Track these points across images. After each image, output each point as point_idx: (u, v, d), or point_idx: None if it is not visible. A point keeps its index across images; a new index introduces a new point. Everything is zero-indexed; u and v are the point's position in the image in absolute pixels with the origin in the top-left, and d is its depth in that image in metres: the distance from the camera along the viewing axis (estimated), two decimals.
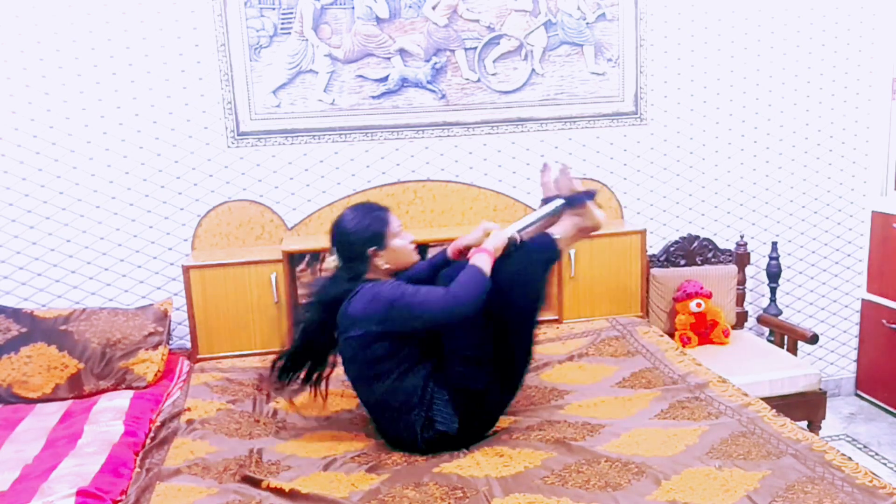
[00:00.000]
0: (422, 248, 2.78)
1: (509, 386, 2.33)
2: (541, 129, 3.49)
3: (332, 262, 2.32)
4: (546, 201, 2.48)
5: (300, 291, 3.22)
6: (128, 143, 3.19)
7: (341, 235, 2.27)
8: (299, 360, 2.34)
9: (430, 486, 1.98)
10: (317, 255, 3.14)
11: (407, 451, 2.21)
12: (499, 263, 2.24)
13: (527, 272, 2.28)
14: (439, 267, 2.48)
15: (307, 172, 3.34)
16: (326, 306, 2.28)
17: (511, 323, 2.27)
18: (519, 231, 2.36)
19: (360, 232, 2.24)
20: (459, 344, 2.23)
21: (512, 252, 2.28)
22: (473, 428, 2.25)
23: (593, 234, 2.51)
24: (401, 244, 2.29)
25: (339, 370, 2.38)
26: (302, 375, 2.35)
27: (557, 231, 2.37)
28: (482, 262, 2.20)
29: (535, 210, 2.50)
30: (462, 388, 2.21)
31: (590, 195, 2.40)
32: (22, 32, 3.04)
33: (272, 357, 2.39)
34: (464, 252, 2.42)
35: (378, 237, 2.24)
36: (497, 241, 2.27)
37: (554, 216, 2.42)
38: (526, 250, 2.32)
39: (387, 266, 2.28)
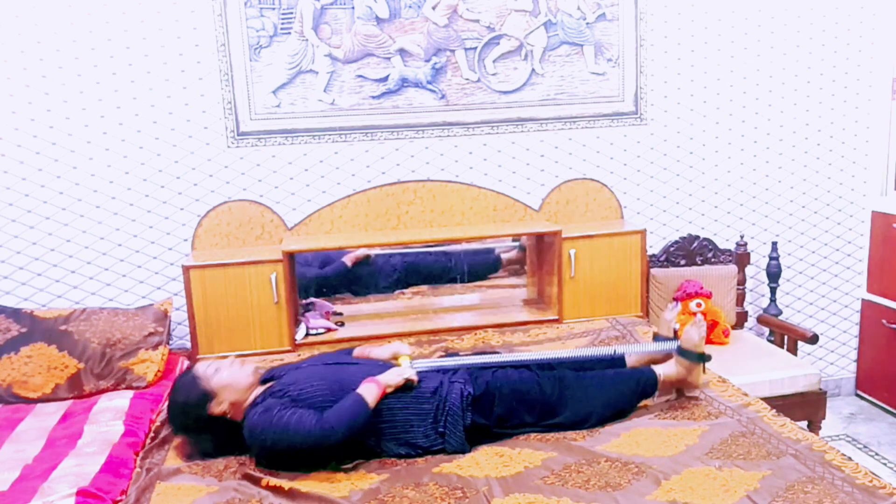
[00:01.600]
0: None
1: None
2: (541, 129, 3.49)
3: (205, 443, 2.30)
4: (657, 339, 2.63)
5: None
6: (128, 143, 3.19)
7: (178, 418, 2.28)
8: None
9: (430, 486, 1.99)
10: None
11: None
12: (603, 376, 2.40)
13: (620, 393, 2.38)
14: (343, 354, 2.58)
15: (307, 172, 3.34)
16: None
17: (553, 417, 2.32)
18: (574, 359, 2.51)
19: (189, 403, 2.23)
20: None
21: (412, 388, 2.29)
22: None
23: (686, 393, 2.51)
24: (222, 379, 2.25)
25: None
26: None
27: (662, 371, 2.46)
28: (368, 392, 2.19)
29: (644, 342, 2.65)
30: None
31: (707, 358, 2.48)
32: (22, 32, 3.04)
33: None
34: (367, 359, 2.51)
35: (203, 395, 2.22)
36: (393, 378, 2.27)
37: (652, 355, 2.55)
38: (629, 375, 2.44)
39: (231, 402, 2.24)
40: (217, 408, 2.22)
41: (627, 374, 2.46)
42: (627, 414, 2.36)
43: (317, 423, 2.09)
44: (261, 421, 2.14)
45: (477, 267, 3.68)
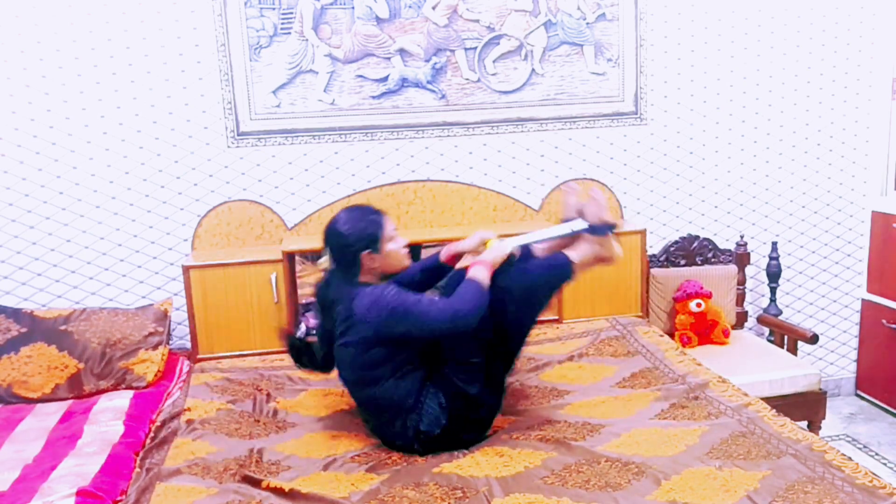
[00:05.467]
0: (416, 248, 2.77)
1: (497, 390, 2.34)
2: (541, 129, 3.49)
3: (324, 262, 2.31)
4: (565, 221, 2.50)
5: (300, 292, 3.23)
6: (128, 143, 3.19)
7: (336, 237, 2.24)
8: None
9: (430, 486, 1.98)
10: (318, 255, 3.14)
11: (403, 452, 2.21)
12: (510, 273, 2.25)
13: (536, 287, 2.29)
14: (431, 270, 2.49)
15: (307, 172, 3.34)
16: (323, 309, 2.28)
17: (508, 332, 2.28)
18: (529, 244, 2.39)
19: (355, 234, 2.21)
20: (457, 351, 2.23)
21: (512, 264, 2.27)
22: (462, 432, 2.24)
23: (606, 265, 2.49)
24: (395, 248, 2.27)
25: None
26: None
27: (575, 254, 2.38)
28: (481, 275, 2.19)
29: (549, 226, 2.49)
30: (457, 393, 2.21)
31: (612, 227, 2.42)
32: (22, 32, 3.04)
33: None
34: (457, 257, 2.44)
35: (373, 240, 2.22)
36: (497, 254, 2.27)
37: (568, 238, 2.44)
38: (540, 265, 2.34)
39: (379, 270, 2.26)
40: (370, 259, 2.21)
41: (539, 263, 2.38)
42: (543, 305, 2.32)
43: (447, 306, 2.09)
44: (390, 291, 2.13)
45: None
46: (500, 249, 2.29)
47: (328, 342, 2.32)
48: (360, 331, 2.15)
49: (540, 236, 2.45)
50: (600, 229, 2.39)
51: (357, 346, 2.18)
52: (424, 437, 2.20)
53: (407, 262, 2.33)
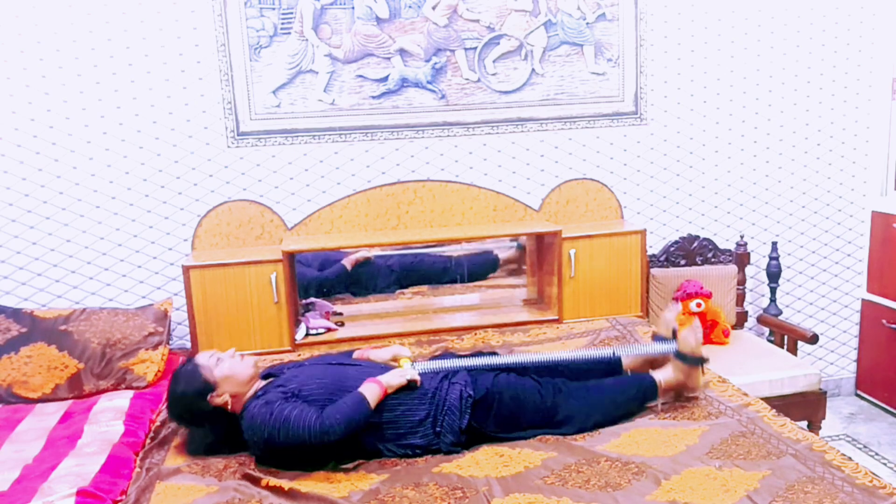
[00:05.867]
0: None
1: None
2: (541, 129, 3.49)
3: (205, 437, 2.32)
4: (657, 339, 2.61)
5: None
6: (128, 143, 3.19)
7: (177, 407, 2.27)
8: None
9: (430, 486, 1.99)
10: None
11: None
12: (610, 381, 2.40)
13: (620, 403, 2.36)
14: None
15: (307, 172, 3.34)
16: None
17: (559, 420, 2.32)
18: (579, 361, 2.51)
19: (189, 392, 2.22)
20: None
21: (414, 389, 2.29)
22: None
23: (687, 395, 2.49)
24: (223, 370, 2.26)
25: None
26: None
27: (662, 376, 2.45)
28: (370, 392, 2.19)
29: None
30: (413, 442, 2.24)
31: (705, 361, 2.47)
32: (22, 32, 3.04)
33: None
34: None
35: (204, 385, 2.22)
36: (395, 379, 2.27)
37: (650, 356, 2.55)
38: (629, 382, 2.43)
39: (232, 393, 2.24)
40: (218, 398, 2.22)
41: (627, 382, 2.46)
42: (617, 419, 2.35)
43: (317, 419, 2.08)
44: (261, 413, 2.14)
45: (476, 267, 3.68)
46: (398, 375, 2.29)
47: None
48: (255, 451, 2.18)
49: (635, 351, 2.60)
50: (695, 361, 2.44)
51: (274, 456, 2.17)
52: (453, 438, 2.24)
53: (247, 366, 2.30)
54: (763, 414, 2.29)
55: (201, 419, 2.27)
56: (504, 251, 3.74)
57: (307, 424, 2.08)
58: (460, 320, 3.34)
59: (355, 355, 2.58)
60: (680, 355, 2.44)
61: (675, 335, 2.52)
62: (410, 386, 2.28)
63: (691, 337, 2.45)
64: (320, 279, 3.52)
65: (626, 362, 2.57)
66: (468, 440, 2.23)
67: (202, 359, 2.29)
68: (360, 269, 3.55)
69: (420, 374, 2.32)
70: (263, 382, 2.31)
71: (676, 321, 2.60)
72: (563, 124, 3.51)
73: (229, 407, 2.24)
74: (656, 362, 2.54)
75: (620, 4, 3.44)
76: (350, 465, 2.12)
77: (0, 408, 2.71)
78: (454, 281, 3.63)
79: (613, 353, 2.58)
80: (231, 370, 2.26)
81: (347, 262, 3.51)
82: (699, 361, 2.44)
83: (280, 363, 2.69)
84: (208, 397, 2.22)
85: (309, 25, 3.22)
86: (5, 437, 2.47)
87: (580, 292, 3.30)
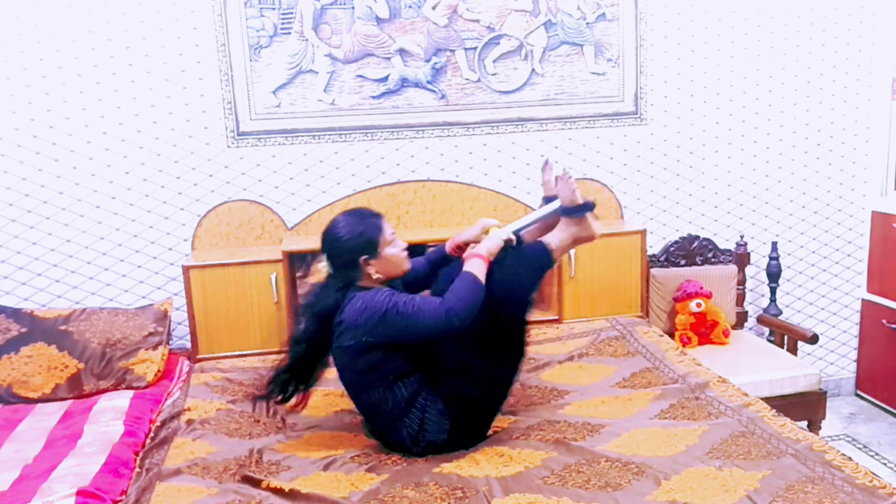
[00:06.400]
0: (417, 249, 2.74)
1: (501, 390, 2.31)
2: (541, 129, 3.49)
3: (322, 268, 2.27)
4: (547, 200, 2.47)
5: (300, 292, 3.23)
6: (128, 143, 3.19)
7: (333, 242, 2.21)
8: (297, 374, 2.29)
9: (430, 486, 1.98)
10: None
11: (402, 454, 2.21)
12: (491, 269, 2.21)
13: (519, 279, 2.25)
14: (437, 263, 2.46)
15: (307, 172, 3.34)
16: (319, 316, 2.23)
17: (501, 328, 2.24)
18: (516, 231, 2.36)
19: (352, 240, 2.18)
20: (452, 352, 2.21)
21: (507, 254, 2.25)
22: (466, 435, 2.23)
23: (588, 243, 2.47)
24: (393, 252, 2.23)
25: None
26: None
27: (553, 239, 2.35)
28: (477, 268, 2.16)
29: (534, 209, 2.49)
30: (455, 396, 2.19)
31: (589, 207, 2.38)
32: (22, 32, 3.04)
33: (268, 371, 2.33)
34: (462, 248, 2.40)
35: (371, 245, 2.18)
36: (492, 244, 2.24)
37: (555, 216, 2.41)
38: (519, 256, 2.30)
39: (378, 275, 2.22)
40: (369, 267, 2.18)
41: (516, 254, 2.33)
42: (529, 296, 2.27)
43: (440, 306, 2.06)
44: (384, 295, 2.10)
45: None
46: (494, 239, 2.26)
47: (307, 347, 2.25)
48: (352, 336, 2.13)
49: (526, 220, 2.42)
50: (575, 211, 2.35)
51: (349, 352, 2.16)
52: (428, 444, 2.18)
53: (407, 265, 2.29)
54: (763, 414, 2.29)
55: (340, 264, 2.19)
56: None
57: (431, 311, 2.06)
58: None
59: (448, 247, 2.47)
60: (565, 210, 2.36)
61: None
62: (508, 246, 2.24)
63: (565, 189, 2.35)
64: None
65: (526, 237, 2.44)
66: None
67: (388, 226, 2.23)
68: None
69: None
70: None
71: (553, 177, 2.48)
72: (563, 124, 3.51)
73: (363, 281, 2.19)
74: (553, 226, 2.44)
75: (620, 4, 3.44)
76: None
77: (0, 408, 2.71)
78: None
79: (518, 228, 2.42)
80: (396, 256, 2.23)
81: None
82: (583, 209, 2.35)
83: None
84: (364, 257, 2.17)
85: (309, 25, 3.22)
86: (5, 437, 2.47)
87: (580, 292, 3.30)
